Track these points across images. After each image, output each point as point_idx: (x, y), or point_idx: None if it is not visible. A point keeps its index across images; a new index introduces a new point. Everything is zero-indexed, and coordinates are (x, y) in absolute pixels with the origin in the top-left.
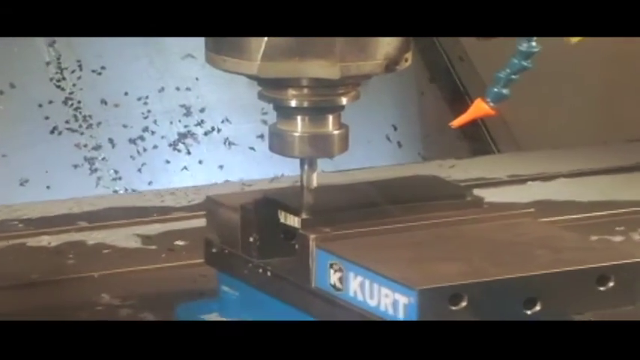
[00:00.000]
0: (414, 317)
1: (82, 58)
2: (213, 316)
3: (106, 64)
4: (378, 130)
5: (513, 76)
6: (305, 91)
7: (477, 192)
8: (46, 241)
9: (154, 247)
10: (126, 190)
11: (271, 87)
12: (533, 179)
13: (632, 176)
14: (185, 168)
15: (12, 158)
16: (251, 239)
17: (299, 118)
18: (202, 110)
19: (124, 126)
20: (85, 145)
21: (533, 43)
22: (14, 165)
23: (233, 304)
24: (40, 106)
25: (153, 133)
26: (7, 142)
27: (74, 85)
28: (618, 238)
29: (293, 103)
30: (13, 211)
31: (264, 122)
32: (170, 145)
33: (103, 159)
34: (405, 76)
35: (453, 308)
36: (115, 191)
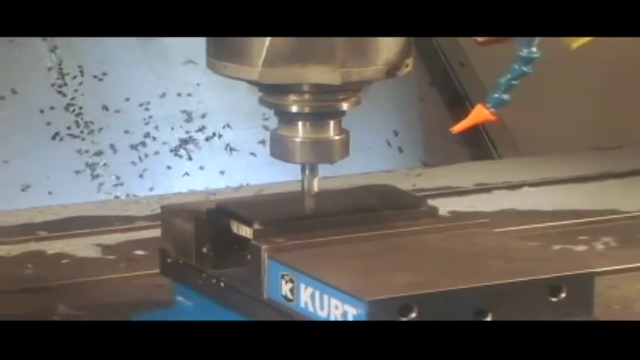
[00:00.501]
0: None
1: (84, 64)
2: None
3: (107, 69)
4: (379, 135)
5: (514, 82)
6: (306, 96)
7: (441, 201)
8: (5, 250)
9: (113, 256)
10: (127, 195)
11: (272, 93)
12: (499, 188)
13: (599, 185)
14: (186, 174)
15: (13, 164)
16: (204, 250)
17: (300, 123)
18: (203, 116)
19: (126, 132)
20: (87, 151)
21: (534, 49)
22: (16, 171)
23: (188, 314)
24: (42, 112)
25: (154, 138)
26: (8, 147)
27: (75, 90)
28: (581, 248)
29: (294, 109)
30: None
31: (266, 128)
32: (171, 150)
33: (105, 165)
34: (406, 81)
35: (403, 319)
36: (117, 197)
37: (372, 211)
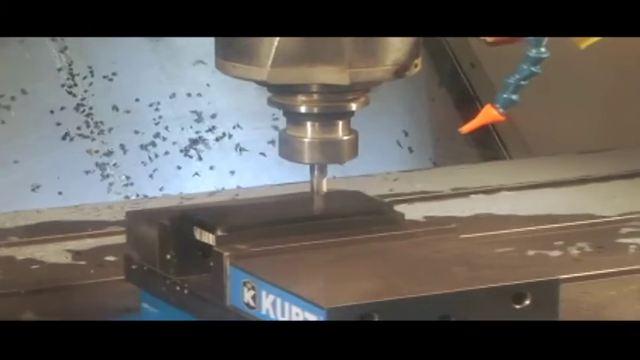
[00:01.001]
0: None
1: (94, 65)
2: None
3: (117, 70)
4: (389, 135)
5: (523, 82)
6: (314, 97)
7: (417, 206)
8: None
9: (83, 262)
10: (137, 195)
11: (281, 93)
12: (476, 192)
13: (578, 189)
14: (196, 174)
15: (24, 164)
16: (168, 256)
17: (308, 124)
18: (213, 116)
19: (136, 132)
20: (97, 151)
21: (542, 49)
22: (26, 171)
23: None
24: (52, 112)
25: (164, 139)
26: (18, 148)
27: (86, 91)
28: (555, 253)
29: (302, 109)
30: None
31: (275, 128)
32: (181, 151)
33: (115, 165)
34: (416, 81)
35: None
36: (127, 197)
37: (336, 217)
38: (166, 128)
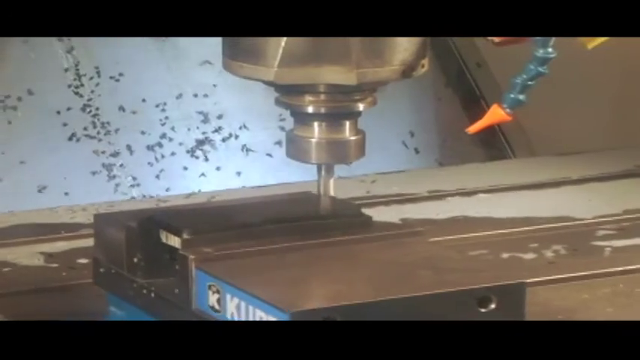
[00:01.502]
0: None
1: (100, 65)
2: None
3: (123, 70)
4: (395, 136)
5: (530, 82)
6: (322, 97)
7: (393, 208)
8: None
9: (55, 265)
10: (144, 196)
11: (288, 93)
12: (453, 195)
13: (551, 192)
14: (203, 174)
15: (30, 165)
16: (135, 259)
17: (316, 124)
18: (220, 117)
19: (142, 132)
20: (103, 152)
21: (550, 49)
22: (32, 171)
23: None
24: (59, 112)
25: (171, 139)
26: (25, 148)
27: (92, 91)
28: (530, 256)
29: (310, 110)
30: None
31: (282, 129)
32: (188, 151)
33: (121, 165)
34: (423, 81)
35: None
36: (133, 198)
37: (303, 220)
38: (173, 129)
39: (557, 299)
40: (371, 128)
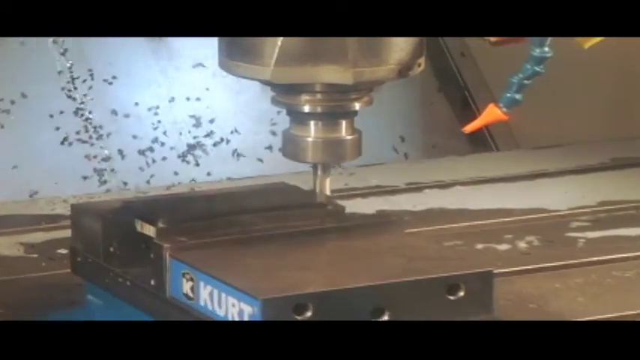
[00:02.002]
0: None
1: (94, 67)
2: None
3: (117, 73)
4: (386, 141)
5: (526, 82)
6: (318, 96)
7: (372, 200)
8: None
9: (35, 255)
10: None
11: (284, 92)
12: (430, 187)
13: (528, 184)
14: (193, 180)
15: (22, 169)
16: (112, 249)
17: (312, 123)
18: (212, 121)
19: (134, 137)
20: (95, 157)
21: (546, 49)
22: (24, 176)
23: (98, 313)
24: (51, 116)
25: (162, 144)
26: (18, 153)
27: (85, 95)
28: (504, 247)
29: (306, 109)
30: None
31: (273, 133)
32: (179, 156)
33: (112, 170)
34: (413, 86)
35: (298, 318)
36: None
37: (278, 210)
38: (165, 133)
39: (530, 288)
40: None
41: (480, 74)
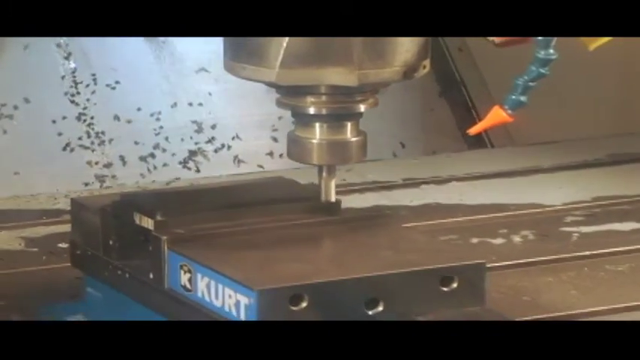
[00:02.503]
0: (254, 318)
1: (97, 72)
2: (78, 318)
3: (120, 78)
4: (386, 146)
5: (531, 83)
6: (323, 98)
7: (369, 195)
8: None
9: (35, 249)
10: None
11: (289, 94)
12: (427, 182)
13: (523, 179)
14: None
15: (24, 175)
16: (111, 241)
17: (317, 125)
18: (213, 127)
19: (136, 143)
20: (97, 163)
21: (551, 50)
22: (26, 183)
23: (97, 305)
24: (54, 121)
25: (164, 150)
26: (19, 159)
27: (88, 100)
28: (499, 241)
29: (311, 110)
30: None
31: (275, 139)
32: (180, 162)
33: (114, 177)
34: (413, 92)
35: (294, 309)
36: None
37: (274, 203)
38: (166, 139)
39: (524, 281)
40: None
41: (481, 76)
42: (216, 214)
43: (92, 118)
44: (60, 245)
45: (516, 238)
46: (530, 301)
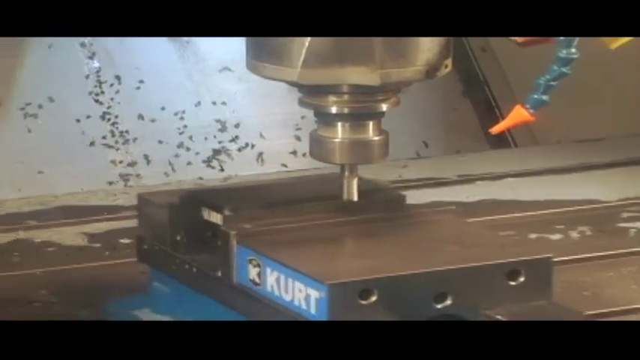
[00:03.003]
0: (324, 311)
1: (121, 72)
2: (145, 312)
3: (144, 77)
4: (410, 146)
5: (552, 83)
6: (345, 97)
7: (425, 191)
8: None
9: (98, 245)
10: None
11: (311, 93)
12: (482, 179)
13: (579, 175)
14: None
15: (48, 174)
16: (178, 237)
17: (339, 124)
18: (237, 126)
19: (160, 142)
20: (121, 162)
21: (573, 50)
22: (50, 182)
23: (164, 299)
24: (78, 120)
25: (188, 149)
26: (44, 158)
27: (112, 99)
28: (556, 236)
29: (333, 110)
30: None
31: (298, 138)
32: (204, 161)
33: (138, 176)
34: (437, 91)
35: (363, 302)
36: None
37: (335, 198)
38: (190, 138)
39: (583, 276)
40: None
41: (504, 76)
42: (280, 209)
43: (116, 117)
44: (121, 241)
45: (574, 234)
46: (591, 296)
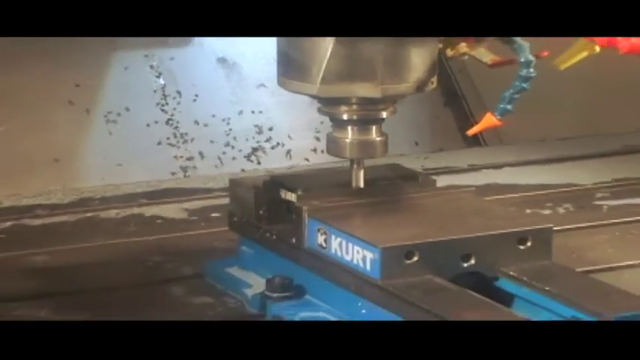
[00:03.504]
0: (377, 269)
1: (181, 88)
2: (235, 269)
3: (199, 92)
4: (403, 144)
5: (515, 96)
6: (354, 107)
7: (443, 177)
8: (114, 213)
9: (195, 217)
10: None
11: (328, 104)
12: (487, 168)
13: (561, 165)
14: None
15: (125, 167)
16: (261, 211)
17: (349, 127)
18: (270, 129)
19: (211, 142)
20: (181, 157)
21: (532, 69)
22: (127, 172)
23: (249, 260)
24: (148, 125)
25: (233, 147)
26: (121, 154)
27: (174, 108)
28: (547, 212)
29: (345, 116)
30: (89, 191)
31: (317, 139)
32: (245, 157)
33: (194, 168)
34: (424, 102)
35: (407, 262)
36: None
37: (384, 181)
38: (234, 139)
39: (571, 243)
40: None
41: (477, 91)
42: (341, 190)
43: (177, 122)
44: (214, 215)
45: (560, 210)
46: (577, 258)
